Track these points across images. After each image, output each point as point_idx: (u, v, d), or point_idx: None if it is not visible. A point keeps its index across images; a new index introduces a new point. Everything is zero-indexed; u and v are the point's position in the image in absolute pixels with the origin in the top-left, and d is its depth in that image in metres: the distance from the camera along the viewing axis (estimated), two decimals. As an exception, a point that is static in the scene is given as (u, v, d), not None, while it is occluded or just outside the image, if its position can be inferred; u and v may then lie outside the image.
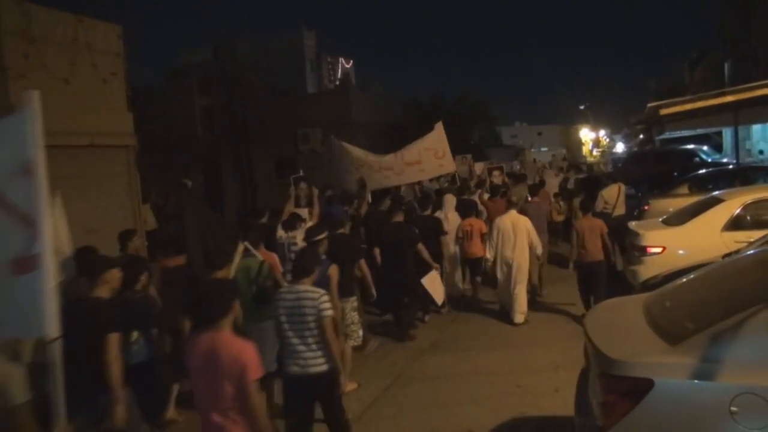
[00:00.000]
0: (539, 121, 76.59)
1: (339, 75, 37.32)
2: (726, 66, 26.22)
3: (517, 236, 7.85)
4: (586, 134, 70.71)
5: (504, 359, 6.64)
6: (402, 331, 7.55)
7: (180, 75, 25.72)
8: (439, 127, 10.34)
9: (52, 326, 3.07)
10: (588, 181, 13.99)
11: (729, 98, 9.60)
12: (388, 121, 25.68)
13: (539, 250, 8.15)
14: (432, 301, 7.89)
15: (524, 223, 7.96)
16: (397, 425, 5.35)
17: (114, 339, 3.85)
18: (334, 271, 5.33)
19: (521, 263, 7.86)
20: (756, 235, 6.57)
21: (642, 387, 2.98)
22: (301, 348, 4.20)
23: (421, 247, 7.49)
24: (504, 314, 8.24)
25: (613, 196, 9.82)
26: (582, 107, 52.33)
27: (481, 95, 29.33)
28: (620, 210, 9.76)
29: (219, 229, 10.52)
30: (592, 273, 7.58)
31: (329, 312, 4.21)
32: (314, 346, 4.19)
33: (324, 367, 4.22)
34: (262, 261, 5.52)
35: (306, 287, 4.30)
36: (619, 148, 53.25)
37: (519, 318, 7.85)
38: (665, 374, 2.99)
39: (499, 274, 8.07)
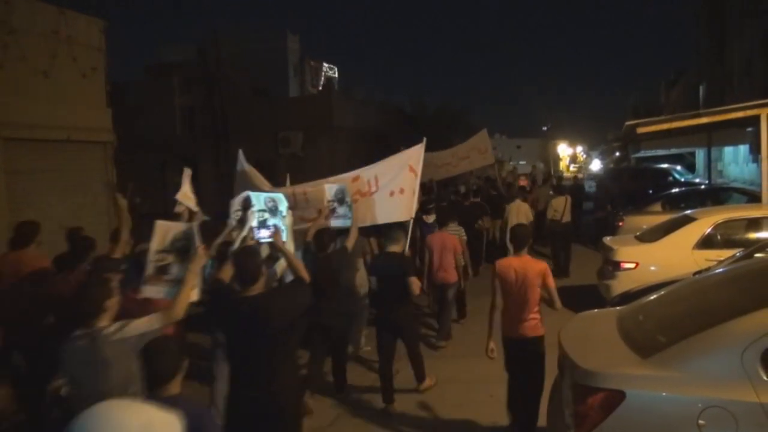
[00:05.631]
0: (518, 134, 77.23)
1: (322, 80, 37.26)
2: (701, 88, 26.88)
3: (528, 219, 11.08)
4: (564, 149, 71.77)
5: (478, 367, 6.65)
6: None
7: (161, 71, 25.41)
8: (484, 132, 14.27)
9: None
10: (575, 186, 17.29)
11: (703, 120, 9.80)
12: (370, 127, 25.70)
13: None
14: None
15: (525, 208, 11.37)
16: (370, 432, 5.34)
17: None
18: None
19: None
20: (726, 254, 6.74)
21: (614, 398, 3.03)
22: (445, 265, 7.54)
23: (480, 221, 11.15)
24: (477, 320, 8.32)
25: (561, 205, 11.37)
26: (545, 128, 53.51)
27: (462, 106, 29.62)
28: (567, 218, 11.41)
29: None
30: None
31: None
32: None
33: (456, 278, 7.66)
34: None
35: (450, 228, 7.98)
36: (596, 164, 54.13)
37: None
38: (636, 386, 3.06)
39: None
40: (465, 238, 8.28)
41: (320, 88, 34.45)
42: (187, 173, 6.08)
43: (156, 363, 2.67)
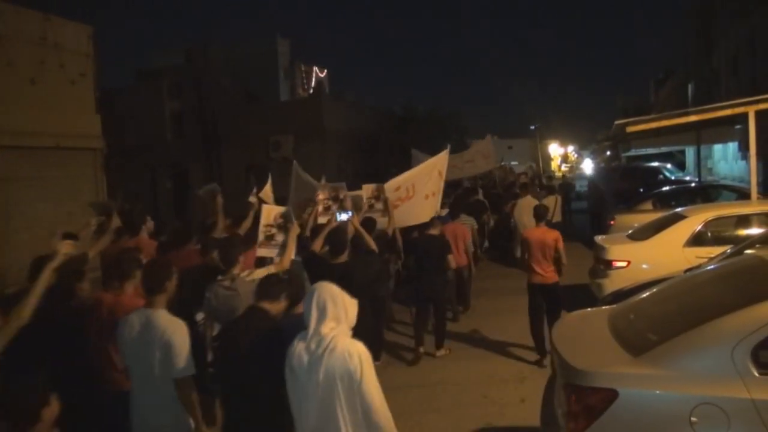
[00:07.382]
0: (510, 135, 77.23)
1: (313, 84, 37.18)
2: (689, 87, 27.07)
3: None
4: (556, 149, 72.06)
5: (471, 369, 6.68)
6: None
7: (151, 76, 25.30)
8: (488, 138, 16.17)
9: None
10: (564, 185, 19.40)
11: (692, 118, 9.84)
12: (361, 130, 25.68)
13: None
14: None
15: (534, 203, 11.31)
16: (364, 435, 5.32)
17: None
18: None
19: None
20: (716, 250, 6.76)
21: (606, 397, 3.03)
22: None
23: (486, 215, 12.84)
24: (472, 322, 8.34)
25: (551, 205, 11.66)
26: (532, 127, 53.78)
27: (453, 107, 29.90)
28: (557, 218, 12.01)
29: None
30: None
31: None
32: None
33: (467, 261, 8.98)
34: None
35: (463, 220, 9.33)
36: (587, 164, 54.29)
37: None
38: (628, 385, 3.06)
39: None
40: (476, 227, 9.83)
41: (311, 91, 34.40)
42: (269, 180, 7.92)
43: (295, 295, 3.71)
